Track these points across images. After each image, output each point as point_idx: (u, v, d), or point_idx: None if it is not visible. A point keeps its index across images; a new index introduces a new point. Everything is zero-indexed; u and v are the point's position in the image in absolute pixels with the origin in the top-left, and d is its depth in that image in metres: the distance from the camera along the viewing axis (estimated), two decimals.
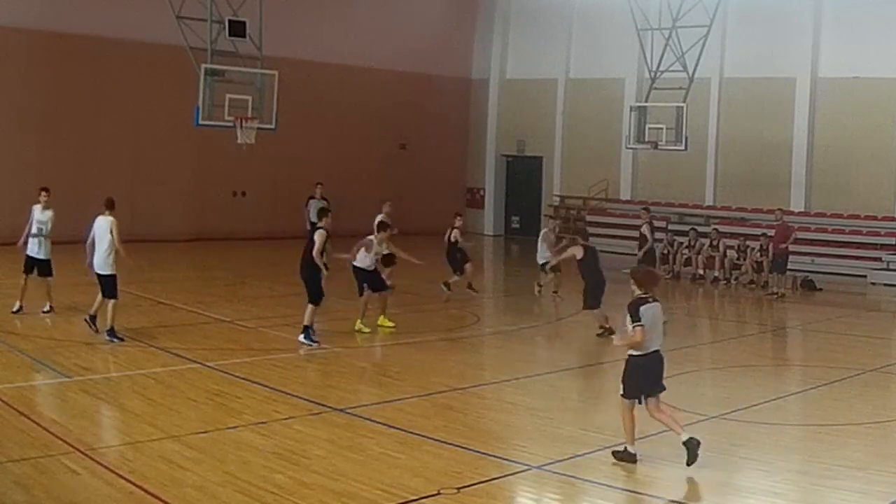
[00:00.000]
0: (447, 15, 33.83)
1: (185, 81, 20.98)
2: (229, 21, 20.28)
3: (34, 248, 15.46)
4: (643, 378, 8.85)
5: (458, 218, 19.60)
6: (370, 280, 15.47)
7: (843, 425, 10.40)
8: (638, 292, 8.89)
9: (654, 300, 8.89)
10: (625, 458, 8.84)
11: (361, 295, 15.34)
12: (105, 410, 10.10)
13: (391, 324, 15.37)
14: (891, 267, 23.97)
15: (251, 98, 20.76)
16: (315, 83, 28.92)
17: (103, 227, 13.60)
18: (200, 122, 20.34)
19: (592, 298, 15.75)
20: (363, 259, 15.39)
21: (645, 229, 20.74)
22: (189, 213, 27.42)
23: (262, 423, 9.76)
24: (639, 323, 8.67)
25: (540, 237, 19.97)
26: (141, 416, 9.86)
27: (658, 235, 22.06)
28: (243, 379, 11.77)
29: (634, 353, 8.86)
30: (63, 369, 11.68)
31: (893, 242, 24.63)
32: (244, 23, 20.46)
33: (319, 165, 28.71)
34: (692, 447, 8.59)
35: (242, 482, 7.93)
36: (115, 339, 13.46)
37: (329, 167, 29.56)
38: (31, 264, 15.47)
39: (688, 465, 8.57)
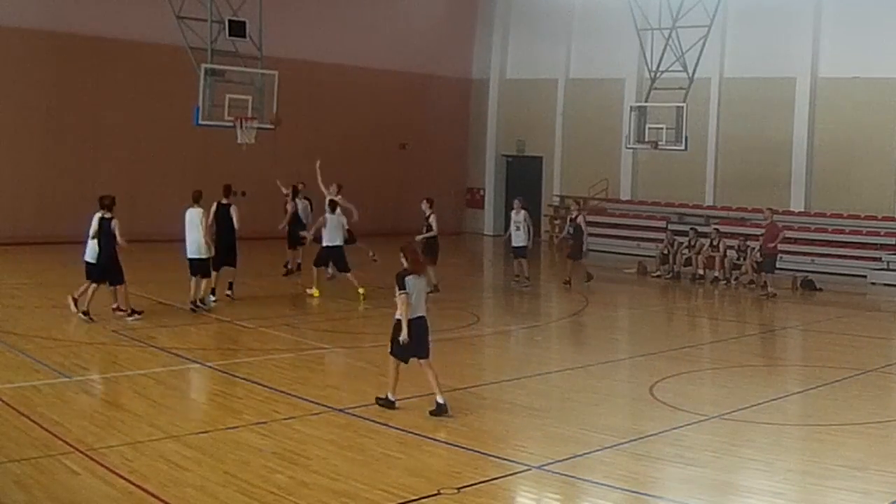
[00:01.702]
0: (447, 15, 33.83)
1: (185, 81, 20.97)
2: (229, 21, 20.27)
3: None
4: (411, 340, 10.07)
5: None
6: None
7: (843, 425, 10.40)
8: (406, 265, 10.15)
9: (422, 273, 10.29)
10: (385, 404, 10.25)
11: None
12: (105, 410, 10.09)
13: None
14: (891, 267, 23.97)
15: (251, 98, 20.74)
16: (315, 83, 28.93)
17: (194, 218, 15.81)
18: (200, 122, 20.32)
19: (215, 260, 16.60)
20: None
21: (580, 220, 21.43)
22: None
23: (262, 423, 9.76)
24: (404, 291, 9.99)
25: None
26: (141, 416, 9.85)
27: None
28: (243, 379, 11.77)
29: (402, 317, 10.07)
30: (63, 369, 11.67)
31: (893, 242, 24.62)
32: (244, 23, 20.45)
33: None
34: (440, 409, 10.07)
35: (242, 482, 7.93)
36: (200, 308, 15.95)
37: (329, 167, 29.45)
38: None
39: (430, 413, 10.06)
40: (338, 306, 17.53)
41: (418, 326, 10.21)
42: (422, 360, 10.29)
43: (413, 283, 10.12)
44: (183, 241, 16.31)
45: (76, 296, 15.06)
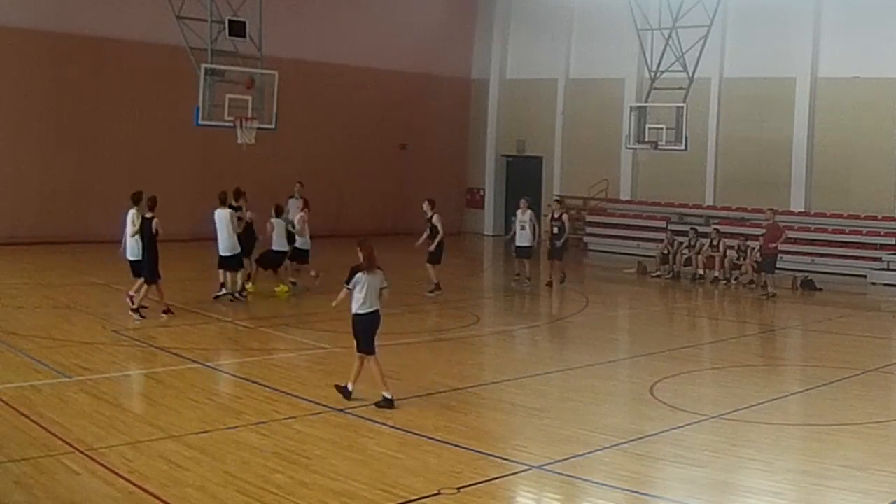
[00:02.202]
0: (447, 15, 33.83)
1: (185, 81, 20.97)
2: (229, 21, 20.26)
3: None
4: (364, 332, 10.52)
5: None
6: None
7: (843, 425, 10.40)
8: (361, 260, 10.52)
9: (376, 269, 10.53)
10: (385, 405, 10.36)
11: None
12: (105, 410, 10.09)
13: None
14: (891, 267, 23.96)
15: (251, 98, 20.74)
16: (315, 83, 28.92)
17: (222, 218, 16.81)
18: (200, 122, 20.31)
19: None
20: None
21: (565, 218, 21.16)
22: (189, 213, 27.38)
23: (262, 423, 9.76)
24: (347, 286, 10.46)
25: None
26: (141, 416, 9.86)
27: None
28: (243, 379, 11.78)
29: (356, 312, 10.51)
30: (63, 369, 11.68)
31: (893, 242, 24.61)
32: (244, 23, 20.45)
33: (319, 165, 28.74)
34: (385, 403, 10.38)
35: (242, 482, 7.94)
36: (240, 298, 17.18)
37: (329, 167, 29.60)
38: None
39: (376, 405, 10.39)
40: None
41: (369, 321, 10.56)
42: (360, 353, 10.65)
43: (363, 279, 10.46)
44: (207, 240, 17.82)
45: (132, 295, 15.54)
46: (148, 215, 15.29)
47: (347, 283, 10.51)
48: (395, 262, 20.44)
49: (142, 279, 15.51)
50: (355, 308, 10.55)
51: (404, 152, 32.56)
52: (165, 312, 15.49)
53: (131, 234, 15.41)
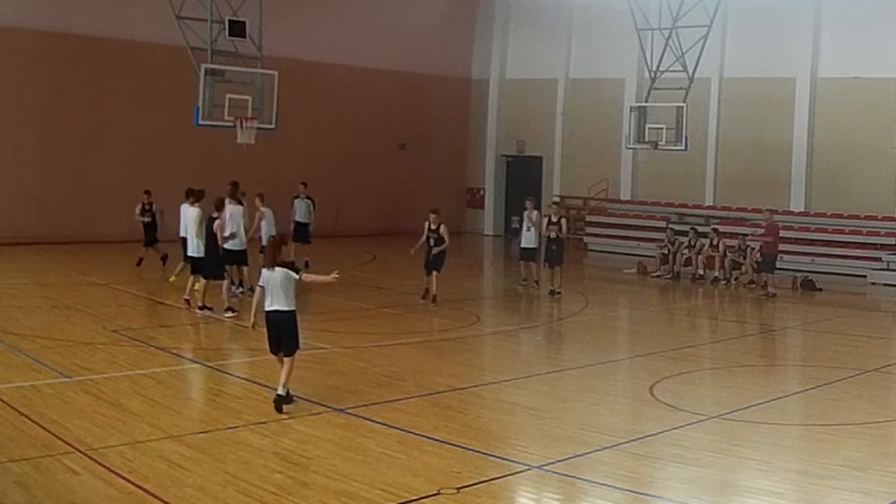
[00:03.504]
0: (447, 15, 33.84)
1: (185, 81, 20.98)
2: (229, 21, 20.27)
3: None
4: (268, 332, 10.37)
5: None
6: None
7: (843, 425, 10.40)
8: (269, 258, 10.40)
9: (276, 267, 10.22)
10: (279, 402, 10.19)
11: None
12: (105, 410, 10.08)
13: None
14: (891, 267, 23.97)
15: (251, 98, 20.75)
16: (315, 83, 28.92)
17: (235, 215, 16.64)
18: (200, 122, 20.33)
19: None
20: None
21: (563, 222, 20.47)
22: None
23: (262, 423, 9.75)
24: (259, 284, 10.41)
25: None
26: (141, 416, 9.85)
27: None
28: (243, 379, 11.77)
29: (265, 310, 10.36)
30: (63, 369, 11.67)
31: (893, 242, 24.61)
32: (244, 23, 20.45)
33: (319, 165, 28.73)
34: (282, 400, 10.14)
35: (242, 482, 7.93)
36: (247, 292, 17.02)
37: (329, 167, 29.59)
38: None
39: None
40: (338, 306, 17.51)
41: (269, 318, 10.35)
42: (283, 355, 10.38)
43: (265, 277, 10.33)
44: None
45: (186, 297, 16.10)
46: (214, 215, 15.79)
47: (258, 282, 10.55)
48: (395, 263, 20.54)
49: (198, 275, 16.09)
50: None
51: (404, 152, 32.56)
52: (198, 309, 15.86)
53: (198, 233, 15.87)
